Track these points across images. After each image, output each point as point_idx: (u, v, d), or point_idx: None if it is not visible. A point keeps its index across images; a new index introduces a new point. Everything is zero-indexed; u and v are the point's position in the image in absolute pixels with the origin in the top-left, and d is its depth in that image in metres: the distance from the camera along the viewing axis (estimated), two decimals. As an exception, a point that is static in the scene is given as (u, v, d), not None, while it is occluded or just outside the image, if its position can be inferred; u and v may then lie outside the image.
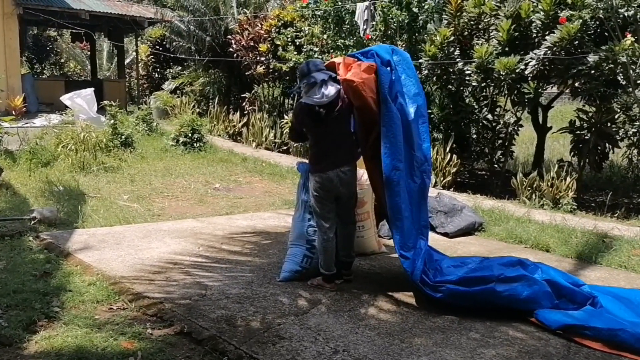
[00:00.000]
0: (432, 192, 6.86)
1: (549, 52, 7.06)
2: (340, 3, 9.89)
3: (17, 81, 13.80)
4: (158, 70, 18.94)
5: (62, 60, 24.35)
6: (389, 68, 4.04)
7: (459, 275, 3.97)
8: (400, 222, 3.96)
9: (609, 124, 7.34)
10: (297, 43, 11.15)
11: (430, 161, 4.22)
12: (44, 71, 23.13)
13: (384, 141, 3.93)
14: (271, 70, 11.94)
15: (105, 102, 10.41)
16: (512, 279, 3.77)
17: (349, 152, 4.18)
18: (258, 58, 12.21)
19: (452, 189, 7.96)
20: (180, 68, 17.60)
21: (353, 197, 4.29)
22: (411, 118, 4.06)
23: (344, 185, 4.10)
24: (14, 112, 10.61)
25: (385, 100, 3.93)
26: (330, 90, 3.98)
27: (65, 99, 11.27)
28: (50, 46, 23.11)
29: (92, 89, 12.00)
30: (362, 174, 4.69)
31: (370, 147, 4.17)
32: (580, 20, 6.80)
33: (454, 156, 8.23)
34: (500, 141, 8.41)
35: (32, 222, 5.48)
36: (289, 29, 11.59)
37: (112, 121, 10.15)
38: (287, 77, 11.73)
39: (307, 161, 4.33)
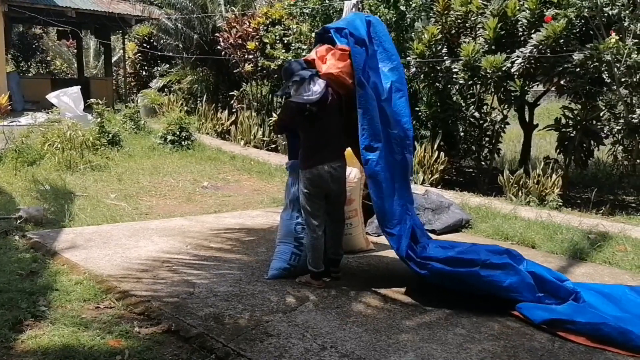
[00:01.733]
0: (420, 189, 6.92)
1: (535, 50, 7.12)
2: (328, 1, 9.90)
3: (3, 79, 13.67)
4: (146, 68, 18.80)
5: (48, 59, 24.12)
6: (363, 48, 4.06)
7: (447, 255, 4.01)
8: (382, 200, 3.97)
9: (594, 122, 7.43)
10: (286, 41, 11.14)
11: (411, 135, 4.22)
12: (30, 69, 22.90)
13: (361, 122, 3.96)
14: (259, 68, 11.91)
15: (92, 100, 10.34)
16: (497, 266, 3.83)
17: (339, 148, 4.21)
18: (246, 56, 12.16)
19: (439, 187, 8.01)
20: (168, 66, 17.49)
21: (342, 194, 4.31)
22: (385, 97, 4.09)
23: (335, 182, 4.12)
24: (-1, 111, 10.54)
25: (361, 83, 3.97)
26: (319, 86, 4.01)
27: (52, 97, 11.18)
28: (36, 44, 22.89)
29: (79, 87, 11.92)
30: (350, 171, 4.71)
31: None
32: (566, 19, 6.88)
33: (442, 154, 8.29)
34: (487, 139, 8.48)
35: (19, 221, 5.44)
36: (277, 26, 11.57)
37: (99, 119, 10.08)
38: (276, 75, 11.70)
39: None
